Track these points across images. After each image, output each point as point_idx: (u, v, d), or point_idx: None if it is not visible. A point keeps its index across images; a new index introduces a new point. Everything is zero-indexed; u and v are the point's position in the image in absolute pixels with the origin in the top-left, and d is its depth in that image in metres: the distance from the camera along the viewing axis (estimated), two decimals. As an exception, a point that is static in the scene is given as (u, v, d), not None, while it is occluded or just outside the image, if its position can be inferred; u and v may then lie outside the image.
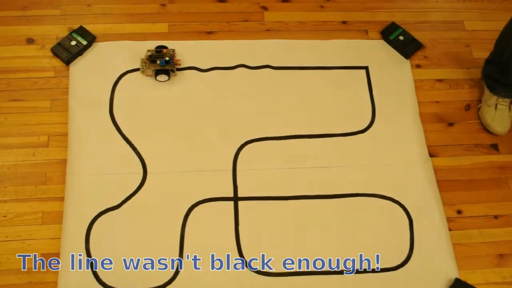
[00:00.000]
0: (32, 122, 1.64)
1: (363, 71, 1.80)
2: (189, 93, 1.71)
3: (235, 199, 1.57)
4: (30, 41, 1.76)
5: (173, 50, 1.71)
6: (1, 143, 1.61)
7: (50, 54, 1.74)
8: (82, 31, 1.76)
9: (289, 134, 1.67)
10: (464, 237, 1.60)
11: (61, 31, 1.78)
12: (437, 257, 1.55)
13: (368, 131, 1.70)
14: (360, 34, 1.88)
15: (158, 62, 1.67)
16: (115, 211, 1.53)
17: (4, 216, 1.52)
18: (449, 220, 1.61)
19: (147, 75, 1.70)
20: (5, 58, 1.73)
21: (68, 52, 1.72)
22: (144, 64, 1.69)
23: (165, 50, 1.70)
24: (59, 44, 1.74)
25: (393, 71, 1.81)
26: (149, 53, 1.69)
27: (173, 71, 1.69)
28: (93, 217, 1.52)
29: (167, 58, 1.68)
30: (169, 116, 1.67)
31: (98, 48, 1.76)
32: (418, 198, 1.61)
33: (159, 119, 1.66)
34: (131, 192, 1.56)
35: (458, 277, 1.53)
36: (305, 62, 1.79)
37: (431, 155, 1.70)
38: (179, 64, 1.72)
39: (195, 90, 1.72)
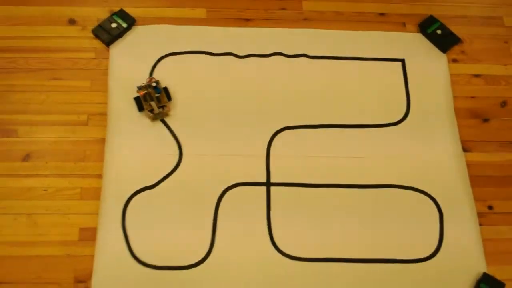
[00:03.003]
0: (72, 100, 1.74)
1: (399, 63, 1.88)
2: (226, 79, 1.80)
3: (268, 184, 1.67)
4: (72, 22, 1.87)
5: (142, 86, 1.72)
6: (44, 119, 1.71)
7: (91, 35, 1.85)
8: (122, 14, 1.88)
9: (322, 123, 1.76)
10: (494, 233, 1.67)
11: (102, 13, 1.89)
12: (466, 251, 1.62)
13: (402, 123, 1.78)
14: (397, 26, 1.95)
15: (156, 95, 1.70)
16: (151, 190, 1.63)
17: (45, 190, 1.62)
18: (479, 215, 1.68)
19: (168, 112, 1.72)
20: (48, 38, 1.83)
21: (108, 34, 1.84)
22: (156, 112, 1.69)
23: (143, 92, 1.70)
24: (100, 26, 1.85)
25: (429, 64, 1.88)
26: (150, 104, 1.68)
27: (164, 88, 1.75)
28: (129, 195, 1.62)
29: (154, 84, 1.71)
30: (206, 100, 1.77)
31: (137, 31, 1.87)
32: (450, 192, 1.69)
33: (195, 103, 1.76)
34: (166, 173, 1.66)
35: (486, 271, 1.60)
36: (341, 52, 1.87)
37: (465, 150, 1.77)
38: (154, 78, 1.75)
39: (231, 75, 1.81)
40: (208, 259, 1.57)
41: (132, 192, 1.63)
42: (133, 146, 1.69)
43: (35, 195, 1.63)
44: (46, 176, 1.66)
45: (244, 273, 1.56)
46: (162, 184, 1.65)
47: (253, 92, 1.80)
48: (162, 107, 1.69)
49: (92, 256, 1.55)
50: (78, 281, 1.53)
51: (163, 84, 1.78)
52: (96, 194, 1.63)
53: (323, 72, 1.85)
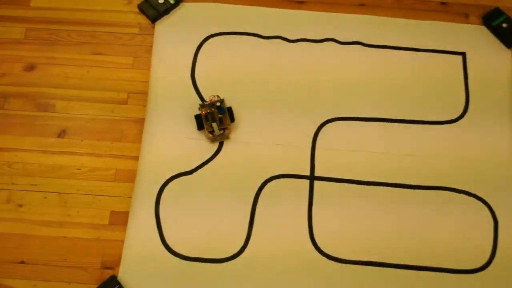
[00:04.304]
0: (113, 77, 1.64)
1: (460, 57, 1.70)
2: (274, 64, 1.67)
3: (311, 178, 1.53)
4: (118, -6, 1.76)
5: (206, 104, 1.53)
6: (82, 95, 1.61)
7: (137, 10, 1.72)
8: (170, -11, 1.74)
9: (373, 116, 1.61)
10: (553, 246, 1.49)
11: (149, -12, 1.76)
12: (522, 264, 1.46)
13: (459, 121, 1.62)
14: (459, 17, 1.77)
15: (219, 115, 1.53)
16: (188, 176, 1.51)
17: (78, 169, 1.53)
18: (538, 225, 1.50)
19: (229, 135, 1.56)
20: (92, 11, 1.72)
21: (155, 9, 1.70)
22: (217, 134, 1.52)
23: (205, 110, 1.52)
24: (146, 1, 1.72)
25: (492, 60, 1.70)
26: (212, 125, 1.50)
27: (229, 108, 1.56)
28: (165, 180, 1.51)
29: (218, 104, 1.53)
30: (252, 85, 1.64)
31: (185, 8, 1.73)
32: (507, 199, 1.52)
33: (240, 88, 1.63)
34: (206, 159, 1.54)
35: (543, 288, 1.43)
36: (399, 42, 1.71)
37: (526, 155, 1.58)
38: (219, 97, 1.56)
39: (280, 60, 1.67)
40: (243, 253, 1.45)
41: (168, 177, 1.52)
42: (173, 129, 1.58)
43: (67, 174, 1.53)
44: (80, 154, 1.56)
45: (280, 271, 1.44)
46: (200, 170, 1.53)
47: (302, 79, 1.65)
48: (223, 129, 1.53)
49: (121, 242, 1.45)
50: (105, 267, 1.44)
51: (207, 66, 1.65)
52: (131, 177, 1.53)
53: (378, 62, 1.69)
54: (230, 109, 1.55)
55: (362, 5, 1.77)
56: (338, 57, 1.68)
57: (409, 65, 1.69)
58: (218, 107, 1.53)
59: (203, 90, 1.61)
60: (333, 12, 1.75)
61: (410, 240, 1.47)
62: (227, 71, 1.65)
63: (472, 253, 1.47)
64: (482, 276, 1.44)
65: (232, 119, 1.55)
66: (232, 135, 1.56)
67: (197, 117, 1.54)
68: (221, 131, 1.53)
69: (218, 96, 1.55)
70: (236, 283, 1.41)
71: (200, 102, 1.56)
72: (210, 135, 1.52)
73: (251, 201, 1.50)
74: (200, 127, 1.54)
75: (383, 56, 1.69)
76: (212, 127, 1.51)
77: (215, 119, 1.52)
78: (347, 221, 1.49)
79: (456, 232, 1.49)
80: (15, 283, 1.40)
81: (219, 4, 1.74)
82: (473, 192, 1.53)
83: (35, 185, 1.51)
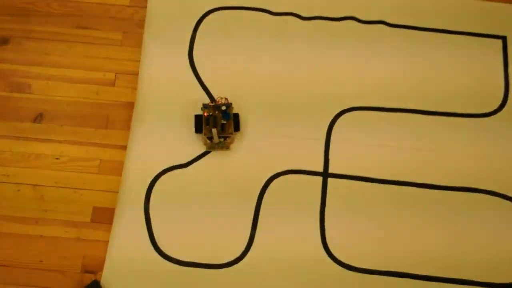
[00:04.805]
0: (99, 55, 1.59)
1: (499, 41, 1.64)
2: (285, 44, 1.60)
3: (325, 175, 1.47)
4: (106, -40, 1.69)
5: (210, 105, 1.48)
6: (62, 75, 1.56)
7: None
8: (167, -45, 1.65)
9: (397, 107, 1.55)
10: None
11: (141, -49, 1.70)
12: None
13: (497, 114, 1.56)
14: None
15: (222, 121, 1.46)
16: (183, 169, 1.46)
17: (57, 159, 1.48)
18: None
19: (229, 145, 1.49)
20: None
21: None
22: (215, 142, 1.46)
23: (207, 113, 1.46)
24: None
25: None
26: (211, 131, 1.43)
27: (235, 114, 1.49)
28: (157, 173, 1.46)
29: (223, 108, 1.46)
30: (258, 67, 1.58)
31: None
32: None
33: (245, 69, 1.58)
34: (204, 150, 1.48)
35: None
36: (429, 22, 1.65)
37: None
38: (227, 100, 1.49)
39: (292, 41, 1.61)
40: (245, 258, 1.40)
41: (160, 169, 1.47)
42: (166, 115, 1.53)
43: (44, 164, 1.48)
44: (59, 142, 1.50)
45: (286, 279, 1.39)
46: (197, 163, 1.48)
47: (317, 62, 1.60)
48: (224, 137, 1.46)
49: (105, 242, 1.41)
50: (86, 270, 1.39)
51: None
52: (117, 169, 1.48)
53: (404, 44, 1.63)
54: (236, 116, 1.49)
55: (387, -21, 1.68)
56: (359, 38, 1.63)
57: (440, 49, 1.62)
58: (223, 112, 1.46)
59: (201, 71, 1.55)
60: (352, -14, 1.67)
61: (435, 248, 1.43)
62: (229, 51, 1.60)
63: (505, 264, 1.42)
64: (518, 290, 1.39)
65: (237, 127, 1.48)
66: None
67: (197, 118, 1.48)
68: (221, 139, 1.46)
69: (226, 99, 1.47)
70: (236, 292, 1.38)
71: (204, 102, 1.49)
72: (208, 141, 1.46)
73: (255, 199, 1.45)
74: (198, 130, 1.48)
75: (410, 38, 1.64)
76: (211, 133, 1.44)
77: (216, 124, 1.45)
78: (364, 224, 1.44)
79: (488, 241, 1.44)
80: (-16, 287, 1.36)
81: (223, -27, 1.67)
82: (510, 195, 1.48)
83: (7, 175, 1.46)
